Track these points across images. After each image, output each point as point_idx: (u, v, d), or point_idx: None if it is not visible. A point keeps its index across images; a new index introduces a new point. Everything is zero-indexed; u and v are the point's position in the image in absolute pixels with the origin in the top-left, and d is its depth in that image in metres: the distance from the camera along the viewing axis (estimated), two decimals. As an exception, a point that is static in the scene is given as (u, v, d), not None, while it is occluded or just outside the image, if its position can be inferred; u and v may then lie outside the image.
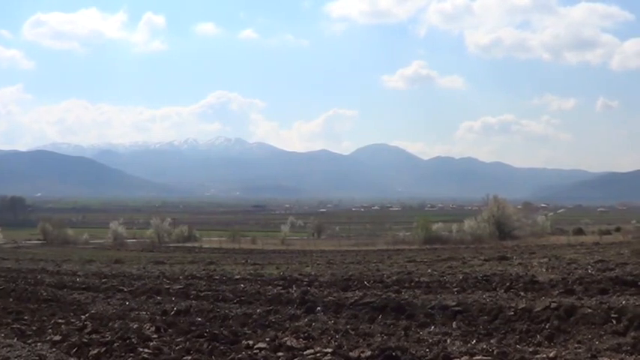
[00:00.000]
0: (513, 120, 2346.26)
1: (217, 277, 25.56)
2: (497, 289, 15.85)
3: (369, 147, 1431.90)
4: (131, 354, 10.30)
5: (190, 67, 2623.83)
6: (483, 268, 24.40)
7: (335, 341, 10.62)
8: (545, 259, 27.83)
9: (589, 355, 8.43)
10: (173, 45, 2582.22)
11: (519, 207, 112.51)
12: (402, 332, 11.25)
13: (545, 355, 8.54)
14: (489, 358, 8.62)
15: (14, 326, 14.16)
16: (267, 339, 10.82)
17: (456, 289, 16.36)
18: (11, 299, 20.86)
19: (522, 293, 14.52)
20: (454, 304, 13.00)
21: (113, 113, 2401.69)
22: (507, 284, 16.33)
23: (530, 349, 9.17)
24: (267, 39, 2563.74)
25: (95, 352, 10.76)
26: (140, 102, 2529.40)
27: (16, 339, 12.76)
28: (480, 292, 15.37)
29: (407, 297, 14.71)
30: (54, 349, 11.42)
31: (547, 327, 10.57)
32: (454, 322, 11.81)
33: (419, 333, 11.11)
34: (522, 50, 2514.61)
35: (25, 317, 15.71)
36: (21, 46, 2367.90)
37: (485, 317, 11.86)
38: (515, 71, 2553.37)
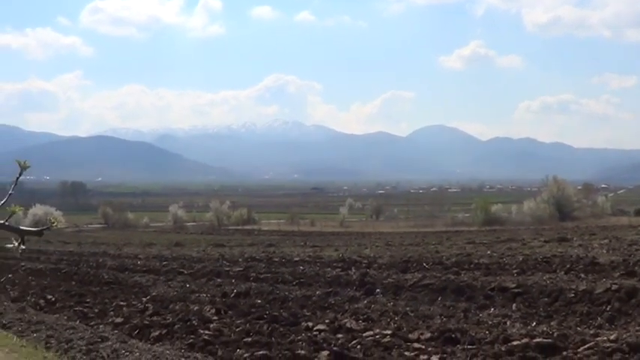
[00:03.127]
0: (572, 99, 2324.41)
1: (277, 260, 25.68)
2: (558, 270, 15.69)
3: (427, 128, 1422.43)
4: (192, 336, 10.44)
5: (247, 50, 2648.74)
6: (543, 249, 24.10)
7: (394, 323, 10.64)
8: (606, 241, 27.40)
9: (651, 338, 8.32)
10: (230, 29, 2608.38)
11: (579, 188, 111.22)
12: (462, 314, 11.23)
13: (605, 338, 8.45)
14: (549, 340, 8.55)
15: (77, 309, 14.48)
16: (327, 321, 10.89)
17: (515, 271, 16.23)
18: (74, 282, 21.31)
19: (583, 275, 14.35)
20: (514, 285, 12.92)
21: (172, 98, 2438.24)
22: (567, 266, 16.16)
23: (591, 332, 9.09)
24: (323, 21, 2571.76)
25: (156, 333, 10.94)
26: (198, 86, 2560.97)
27: (78, 321, 13.04)
28: (540, 273, 15.22)
29: (466, 279, 14.65)
30: (116, 331, 11.63)
31: (608, 309, 10.46)
32: (514, 304, 11.75)
33: (478, 315, 11.08)
34: (582, 28, 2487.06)
35: (88, 300, 16.03)
36: (80, 33, 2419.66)
37: (546, 299, 11.78)
38: (574, 50, 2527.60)
